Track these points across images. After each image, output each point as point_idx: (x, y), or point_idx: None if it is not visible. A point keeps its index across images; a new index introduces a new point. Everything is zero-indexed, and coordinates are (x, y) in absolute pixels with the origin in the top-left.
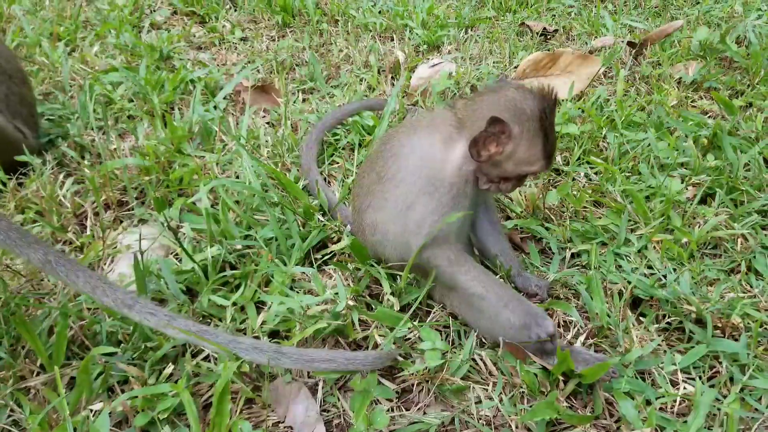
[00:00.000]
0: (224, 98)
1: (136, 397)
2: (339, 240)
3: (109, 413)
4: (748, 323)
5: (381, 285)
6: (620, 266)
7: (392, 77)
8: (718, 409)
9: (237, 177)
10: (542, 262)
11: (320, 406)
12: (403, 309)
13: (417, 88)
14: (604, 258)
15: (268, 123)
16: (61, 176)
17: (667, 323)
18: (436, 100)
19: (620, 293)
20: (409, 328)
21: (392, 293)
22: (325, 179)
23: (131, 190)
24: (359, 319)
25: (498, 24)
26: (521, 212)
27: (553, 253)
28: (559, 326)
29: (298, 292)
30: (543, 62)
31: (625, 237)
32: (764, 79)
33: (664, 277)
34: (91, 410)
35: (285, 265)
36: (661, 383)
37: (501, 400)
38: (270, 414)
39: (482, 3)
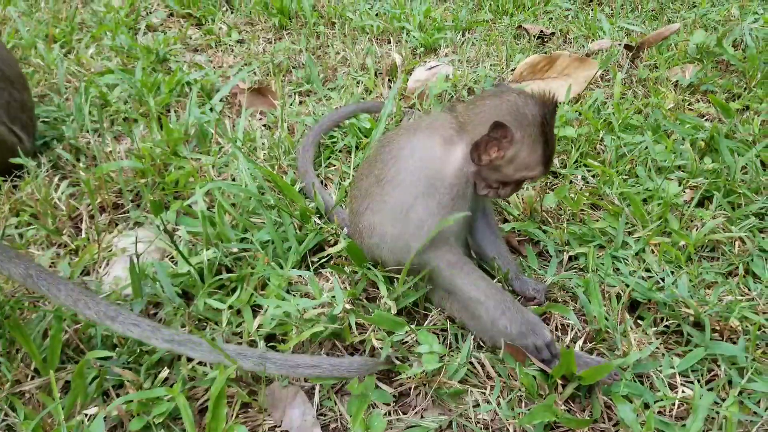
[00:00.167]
0: (220, 101)
1: (132, 401)
2: (336, 243)
3: (104, 418)
4: (746, 326)
5: (378, 288)
6: (618, 269)
7: (389, 80)
8: (717, 413)
9: (233, 180)
10: (540, 265)
11: (317, 410)
12: (401, 312)
13: (414, 90)
14: (601, 261)
15: (264, 125)
16: (56, 179)
17: (665, 326)
18: (433, 102)
19: (618, 296)
20: (406, 332)
21: (389, 296)
22: (321, 182)
23: (127, 193)
24: (356, 323)
25: (495, 27)
26: (518, 215)
27: (551, 256)
28: (557, 330)
29: (294, 296)
30: (540, 65)
31: (622, 240)
32: (761, 82)
33: (662, 280)
34: (86, 415)
35: (281, 268)
36: (659, 386)
37: (499, 404)
38: (266, 418)
39: (479, 6)
